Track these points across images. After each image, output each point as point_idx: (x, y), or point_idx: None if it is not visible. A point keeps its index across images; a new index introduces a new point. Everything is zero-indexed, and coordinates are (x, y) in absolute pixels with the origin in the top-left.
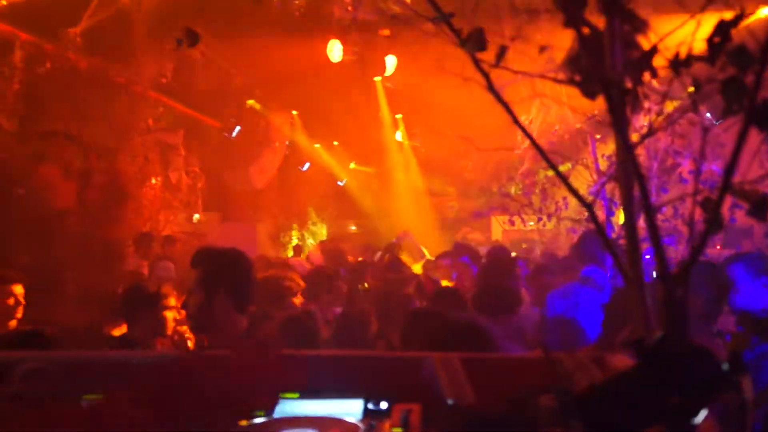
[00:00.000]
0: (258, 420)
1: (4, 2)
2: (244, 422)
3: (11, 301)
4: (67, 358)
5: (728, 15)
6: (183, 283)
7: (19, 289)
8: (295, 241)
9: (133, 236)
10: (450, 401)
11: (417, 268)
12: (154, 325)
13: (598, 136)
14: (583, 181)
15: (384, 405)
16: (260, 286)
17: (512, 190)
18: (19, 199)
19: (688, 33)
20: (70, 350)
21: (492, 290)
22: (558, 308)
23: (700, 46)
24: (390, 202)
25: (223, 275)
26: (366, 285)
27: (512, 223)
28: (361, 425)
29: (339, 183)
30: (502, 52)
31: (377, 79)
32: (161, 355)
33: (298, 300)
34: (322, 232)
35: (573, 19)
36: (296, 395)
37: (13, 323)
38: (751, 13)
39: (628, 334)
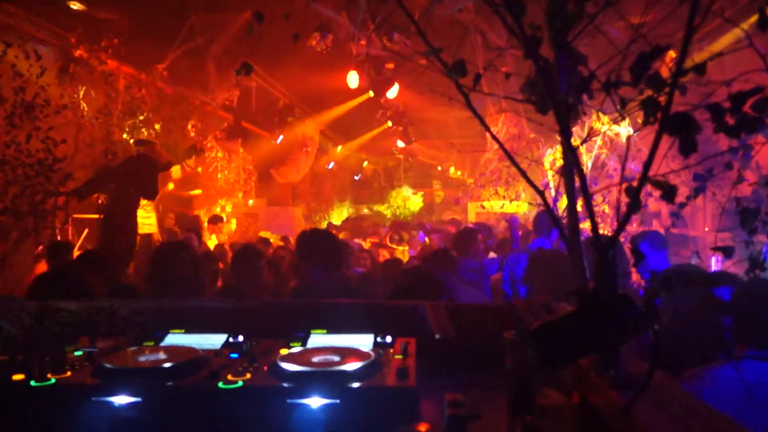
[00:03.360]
0: (296, 349)
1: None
2: (284, 350)
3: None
4: (156, 304)
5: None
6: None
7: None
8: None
9: (207, 215)
10: (437, 336)
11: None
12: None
13: (549, 148)
14: (536, 175)
15: (389, 339)
16: None
17: (483, 182)
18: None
19: (618, 63)
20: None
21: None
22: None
23: (626, 74)
24: (392, 191)
25: (316, 250)
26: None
27: (483, 207)
28: (372, 353)
29: (355, 177)
30: (477, 78)
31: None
32: (224, 301)
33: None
34: (343, 214)
35: (531, 53)
36: (324, 331)
37: None
38: (666, 48)
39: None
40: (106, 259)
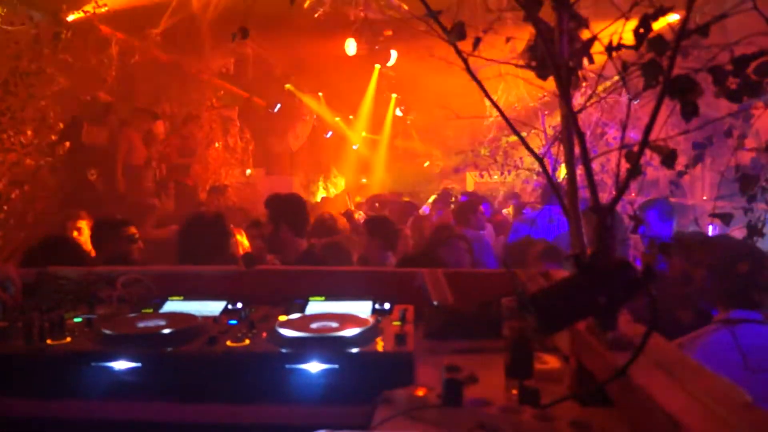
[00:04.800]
0: (294, 315)
1: (104, 10)
2: (283, 317)
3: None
4: (155, 271)
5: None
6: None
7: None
8: (322, 192)
9: (203, 185)
10: (435, 303)
11: None
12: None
13: (546, 112)
14: (535, 144)
15: (387, 306)
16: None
17: (482, 151)
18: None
19: (619, 26)
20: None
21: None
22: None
23: (627, 37)
24: (391, 161)
25: (286, 212)
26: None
27: (482, 176)
28: (370, 319)
29: (353, 147)
30: (476, 42)
31: (377, 66)
32: (223, 270)
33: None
34: (341, 184)
35: (531, 16)
36: (323, 298)
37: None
38: (669, 10)
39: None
40: (108, 227)
